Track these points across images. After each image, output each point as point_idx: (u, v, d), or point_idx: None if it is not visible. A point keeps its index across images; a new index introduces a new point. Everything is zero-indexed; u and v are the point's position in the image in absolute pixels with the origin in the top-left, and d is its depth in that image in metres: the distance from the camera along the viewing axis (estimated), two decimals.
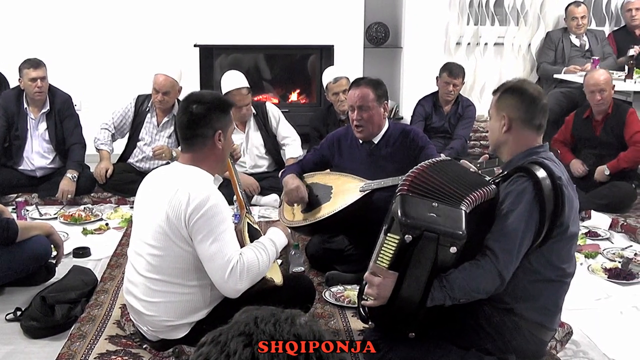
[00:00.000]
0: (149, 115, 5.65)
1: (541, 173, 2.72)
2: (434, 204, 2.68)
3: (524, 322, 2.85)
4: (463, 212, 2.67)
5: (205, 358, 1.13)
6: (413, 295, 2.71)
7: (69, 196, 5.42)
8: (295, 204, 4.14)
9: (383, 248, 2.76)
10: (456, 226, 2.61)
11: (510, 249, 2.68)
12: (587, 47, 6.98)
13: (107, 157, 5.67)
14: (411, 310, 2.75)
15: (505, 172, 2.85)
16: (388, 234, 2.73)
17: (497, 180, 2.87)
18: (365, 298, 2.89)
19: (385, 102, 4.03)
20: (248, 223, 3.31)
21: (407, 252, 2.66)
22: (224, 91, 5.41)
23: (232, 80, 5.50)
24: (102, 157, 5.66)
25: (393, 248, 2.70)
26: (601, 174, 5.43)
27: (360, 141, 4.07)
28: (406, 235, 2.61)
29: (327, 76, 5.78)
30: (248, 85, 5.52)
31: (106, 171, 5.56)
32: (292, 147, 5.68)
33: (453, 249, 2.62)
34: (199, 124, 2.97)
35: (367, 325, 3.01)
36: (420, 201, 2.70)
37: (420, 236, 2.60)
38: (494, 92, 3.02)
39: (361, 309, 2.96)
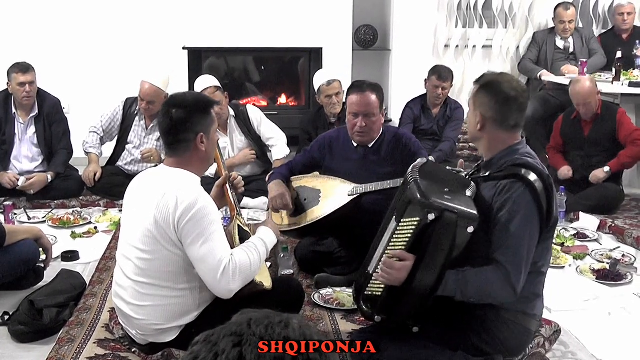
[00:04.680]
0: (137, 118, 5.65)
1: (532, 176, 2.74)
2: (445, 189, 2.74)
3: (505, 312, 2.86)
4: (469, 197, 2.73)
5: (195, 356, 1.14)
6: (428, 281, 2.73)
7: (31, 191, 5.42)
8: (281, 211, 4.15)
9: (397, 235, 2.81)
10: (470, 208, 2.67)
11: (519, 262, 2.71)
12: (571, 50, 6.94)
13: (95, 161, 5.66)
14: (423, 297, 2.76)
15: (488, 173, 2.86)
16: (402, 220, 2.79)
17: (477, 179, 2.88)
18: (369, 293, 2.92)
19: (383, 107, 4.05)
20: (238, 225, 3.30)
21: (425, 235, 2.69)
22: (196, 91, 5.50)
23: (202, 82, 5.61)
24: (91, 161, 5.65)
25: (410, 232, 2.74)
26: (601, 173, 5.41)
27: (355, 145, 4.07)
28: (429, 214, 2.64)
29: (320, 79, 5.80)
30: (218, 84, 5.58)
31: (95, 174, 5.55)
32: (278, 148, 5.70)
33: (470, 229, 2.64)
34: (180, 129, 2.96)
35: (374, 321, 3.00)
36: (434, 186, 2.76)
37: (440, 217, 2.63)
38: (475, 82, 2.97)
39: (363, 306, 2.98)
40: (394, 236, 2.83)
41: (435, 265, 2.70)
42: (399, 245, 2.79)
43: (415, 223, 2.71)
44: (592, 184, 5.45)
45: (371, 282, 2.94)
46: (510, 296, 2.73)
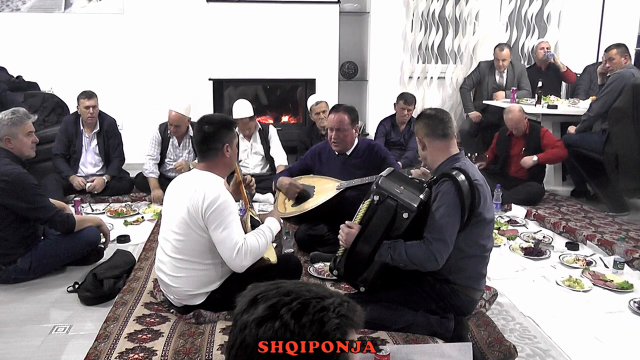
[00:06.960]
0: (171, 140, 5.61)
1: (461, 177, 2.77)
2: (401, 187, 2.84)
3: (458, 287, 2.89)
4: (420, 198, 2.78)
5: (264, 294, 1.12)
6: (366, 249, 2.85)
7: (95, 192, 5.40)
8: (288, 200, 4.14)
9: (359, 211, 2.92)
10: (412, 202, 2.77)
11: (442, 237, 2.73)
12: (504, 85, 6.89)
13: (156, 185, 5.49)
14: (364, 261, 2.86)
15: (434, 177, 2.89)
16: (363, 202, 2.92)
17: (430, 183, 2.91)
18: (337, 254, 3.01)
19: (357, 124, 4.04)
20: (251, 216, 3.31)
21: (373, 213, 2.84)
22: (233, 117, 5.41)
23: (239, 110, 5.55)
24: (154, 186, 5.49)
25: (365, 208, 2.88)
26: (529, 161, 5.43)
27: (337, 153, 4.08)
28: (375, 196, 2.82)
29: (311, 100, 5.89)
30: (252, 114, 5.56)
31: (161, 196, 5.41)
32: (279, 158, 5.71)
33: (405, 215, 2.76)
34: (210, 140, 2.98)
35: (332, 275, 3.12)
36: (392, 182, 2.87)
37: (384, 201, 2.80)
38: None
39: (332, 262, 3.06)
40: (358, 211, 2.93)
41: (373, 236, 2.82)
42: (357, 219, 2.91)
43: (368, 203, 2.87)
44: (521, 182, 5.47)
45: (340, 245, 3.02)
46: (434, 265, 2.75)
